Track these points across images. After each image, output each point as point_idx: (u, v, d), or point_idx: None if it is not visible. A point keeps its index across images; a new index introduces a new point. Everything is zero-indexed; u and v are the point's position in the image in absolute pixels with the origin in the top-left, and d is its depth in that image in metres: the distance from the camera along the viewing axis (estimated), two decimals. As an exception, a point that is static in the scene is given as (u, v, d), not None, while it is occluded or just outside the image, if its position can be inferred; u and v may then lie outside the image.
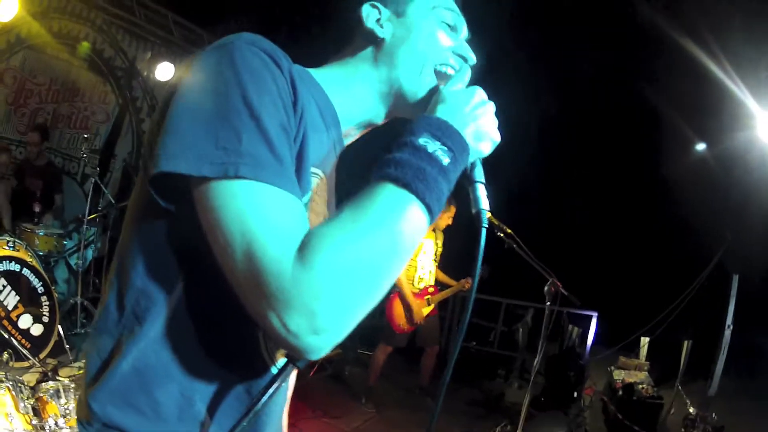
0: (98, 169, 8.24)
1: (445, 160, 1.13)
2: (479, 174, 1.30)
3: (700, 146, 9.63)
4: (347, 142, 1.50)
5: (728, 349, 7.46)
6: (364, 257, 1.00)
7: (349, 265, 0.98)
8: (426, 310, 6.83)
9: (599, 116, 12.02)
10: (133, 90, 10.07)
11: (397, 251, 1.05)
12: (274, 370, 1.27)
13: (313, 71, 1.42)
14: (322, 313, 0.96)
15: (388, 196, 1.06)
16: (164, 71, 9.72)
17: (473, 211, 1.27)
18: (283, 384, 1.28)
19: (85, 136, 8.13)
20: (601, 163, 12.79)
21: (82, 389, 1.27)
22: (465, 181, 1.29)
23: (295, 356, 1.11)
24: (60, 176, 7.82)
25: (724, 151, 8.54)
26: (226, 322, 1.18)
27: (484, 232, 1.24)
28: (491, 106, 1.31)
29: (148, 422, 1.17)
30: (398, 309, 6.71)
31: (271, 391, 1.17)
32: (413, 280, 6.79)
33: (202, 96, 1.07)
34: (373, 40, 1.43)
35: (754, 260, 7.95)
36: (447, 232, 7.21)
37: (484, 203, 1.27)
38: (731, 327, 7.34)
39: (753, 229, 7.90)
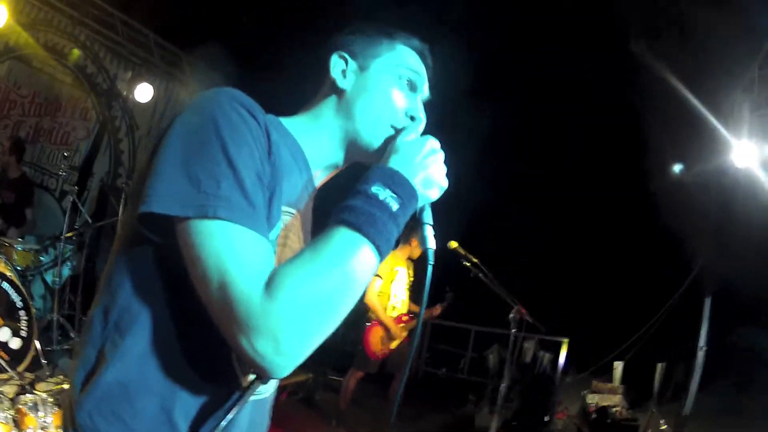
0: (76, 187, 8.21)
1: (395, 207, 1.27)
2: (428, 216, 1.43)
3: (676, 169, 9.77)
4: (317, 183, 1.62)
5: (703, 371, 7.55)
6: (320, 291, 1.14)
7: (308, 298, 1.13)
8: (402, 334, 6.90)
9: (568, 139, 12.13)
10: (112, 109, 10.08)
11: (349, 286, 1.19)
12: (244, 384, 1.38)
13: (283, 120, 1.54)
14: (285, 339, 1.10)
15: (342, 238, 1.20)
16: (143, 92, 9.78)
17: (421, 249, 1.41)
18: (258, 400, 1.47)
19: (65, 153, 8.12)
20: (570, 186, 12.89)
21: (67, 398, 1.36)
22: (415, 223, 1.42)
23: (262, 375, 1.21)
24: (32, 190, 7.74)
25: (698, 176, 8.69)
26: (202, 341, 1.28)
27: (430, 269, 1.39)
28: (441, 155, 1.44)
29: (130, 430, 1.26)
30: (375, 336, 6.77)
31: (240, 403, 1.31)
32: (386, 308, 6.85)
33: (188, 146, 1.20)
34: (336, 89, 1.56)
35: (728, 281, 8.08)
36: (419, 262, 7.28)
37: (431, 243, 1.40)
38: (705, 348, 7.47)
39: (726, 252, 8.04)
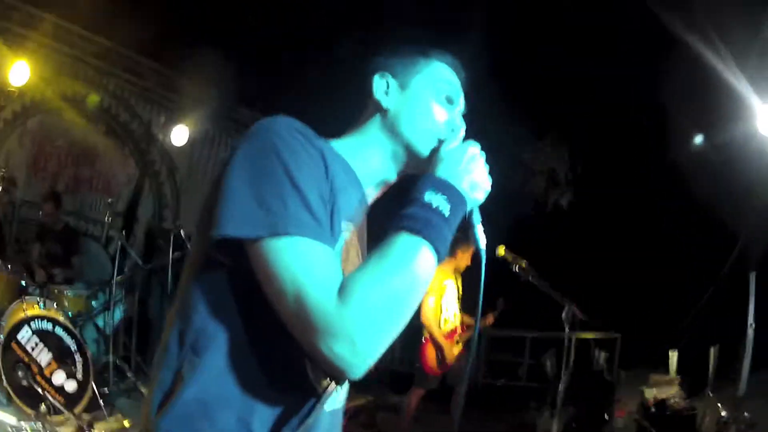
0: (123, 231, 8.37)
1: (447, 212, 1.38)
2: (477, 218, 1.55)
3: (703, 144, 9.60)
4: (369, 200, 1.71)
5: (753, 348, 7.37)
6: (388, 293, 1.25)
7: (378, 300, 1.23)
8: (456, 350, 6.89)
9: (601, 129, 11.99)
10: (150, 154, 10.28)
11: (414, 286, 1.30)
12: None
13: (332, 142, 1.62)
14: (360, 339, 1.21)
15: (404, 243, 1.31)
16: (179, 134, 9.94)
17: (474, 248, 1.56)
18: (333, 411, 1.56)
19: (109, 200, 8.32)
20: (602, 177, 12.76)
21: (143, 422, 1.42)
22: (465, 225, 1.52)
23: (339, 377, 1.34)
24: (77, 239, 7.91)
25: (725, 148, 8.54)
26: (276, 355, 1.37)
27: (483, 267, 1.53)
28: (482, 159, 1.55)
29: None
30: (430, 352, 6.76)
31: (317, 409, 1.40)
32: (440, 322, 6.85)
33: (253, 172, 1.30)
34: (380, 108, 1.65)
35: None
36: (466, 273, 7.26)
37: (482, 242, 1.54)
38: (753, 325, 7.29)
39: (762, 224, 7.88)
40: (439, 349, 6.72)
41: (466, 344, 7.05)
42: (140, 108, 9.98)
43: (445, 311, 6.90)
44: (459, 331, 7.04)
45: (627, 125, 11.58)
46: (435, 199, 1.37)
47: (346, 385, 1.60)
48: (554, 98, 11.69)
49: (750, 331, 7.18)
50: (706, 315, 8.62)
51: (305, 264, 1.23)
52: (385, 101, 1.64)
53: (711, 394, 7.14)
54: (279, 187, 1.27)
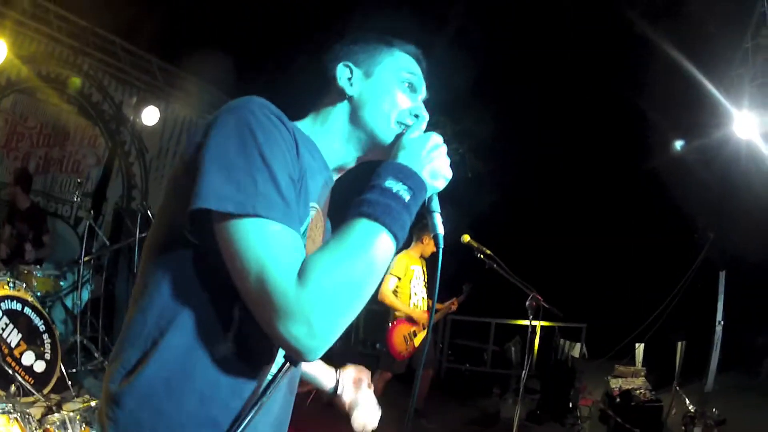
0: (92, 212, 8.32)
1: (407, 198, 1.41)
2: (435, 205, 1.57)
3: (679, 145, 9.73)
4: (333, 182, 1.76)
5: (721, 345, 7.52)
6: (346, 276, 1.28)
7: (335, 283, 1.26)
8: (422, 334, 6.98)
9: (575, 122, 12.09)
10: (120, 134, 10.19)
11: (371, 271, 1.33)
12: (274, 371, 1.51)
13: (298, 123, 1.67)
14: (317, 321, 1.23)
15: (363, 228, 1.34)
16: (150, 115, 9.84)
17: (431, 235, 1.56)
18: (287, 382, 1.60)
19: (78, 180, 8.25)
20: (577, 168, 12.85)
21: (103, 399, 1.45)
22: (425, 211, 1.55)
23: (296, 358, 1.35)
24: (44, 217, 7.82)
25: (700, 150, 8.66)
26: (237, 334, 1.40)
27: (440, 253, 1.54)
28: (444, 149, 1.57)
29: (170, 424, 1.37)
30: (398, 337, 6.84)
31: (273, 387, 1.43)
32: (409, 306, 6.93)
33: (225, 151, 1.32)
34: (344, 96, 1.69)
35: (739, 255, 8.04)
36: (431, 260, 7.34)
37: (440, 228, 1.55)
38: (722, 323, 7.45)
39: (735, 225, 8.01)
40: (412, 321, 6.86)
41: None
42: (112, 89, 9.88)
43: (413, 296, 6.99)
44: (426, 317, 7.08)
45: (602, 123, 11.69)
46: (395, 185, 1.41)
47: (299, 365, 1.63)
48: (530, 88, 11.81)
49: (719, 329, 7.32)
50: (675, 311, 8.74)
51: (269, 245, 1.26)
52: (348, 89, 1.68)
53: (677, 388, 7.26)
54: (251, 166, 1.29)
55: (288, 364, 1.44)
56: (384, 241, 1.34)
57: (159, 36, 9.96)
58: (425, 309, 7.12)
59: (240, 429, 1.37)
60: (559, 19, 10.33)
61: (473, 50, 10.06)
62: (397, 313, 6.88)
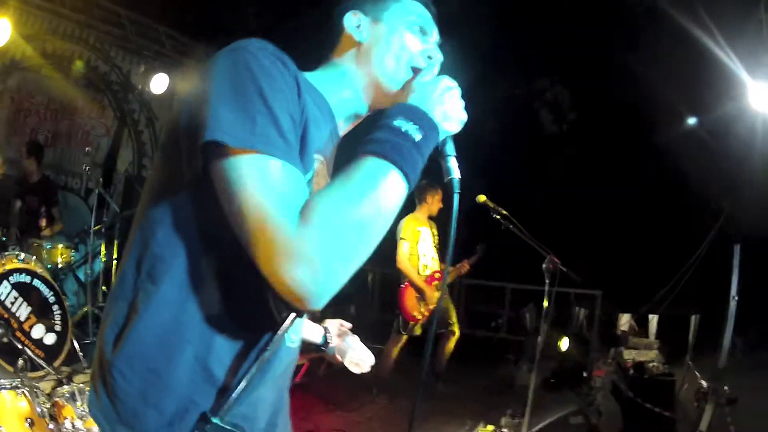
0: (101, 180, 8.29)
1: (417, 137, 1.33)
2: (450, 149, 1.49)
3: (693, 118, 9.63)
4: (340, 132, 1.70)
5: (736, 320, 7.43)
6: (353, 216, 1.20)
7: (341, 222, 1.18)
8: (436, 295, 6.90)
9: (591, 90, 12.00)
10: (129, 103, 10.19)
11: (380, 212, 1.25)
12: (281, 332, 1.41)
13: (306, 74, 1.58)
14: (322, 263, 1.16)
15: (371, 166, 1.26)
16: (159, 83, 9.77)
17: (445, 179, 1.49)
18: (290, 348, 1.54)
19: (87, 149, 8.24)
20: (594, 138, 12.78)
21: (97, 357, 1.41)
22: (438, 156, 1.48)
23: (298, 306, 1.24)
24: (56, 191, 7.83)
25: (716, 122, 8.57)
26: (235, 285, 1.34)
27: (456, 197, 1.47)
28: (457, 91, 1.50)
29: (166, 386, 1.31)
30: (410, 299, 6.83)
31: (275, 340, 1.36)
32: (418, 269, 6.89)
33: (225, 90, 1.26)
34: (353, 43, 1.64)
35: (754, 228, 7.94)
36: (440, 219, 7.27)
37: (456, 173, 1.48)
38: (736, 298, 7.35)
39: (750, 197, 7.91)
40: (420, 293, 6.77)
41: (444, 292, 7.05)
42: (119, 59, 9.84)
43: (422, 257, 6.98)
44: (438, 276, 7.07)
45: (620, 94, 11.58)
46: (404, 124, 1.34)
47: (301, 324, 1.57)
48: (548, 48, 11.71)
49: (732, 304, 7.22)
50: (689, 284, 8.65)
51: (269, 183, 1.20)
52: (358, 35, 1.64)
53: (690, 363, 7.18)
54: (251, 104, 1.23)
55: (291, 315, 1.37)
56: (394, 180, 1.27)
57: (165, 3, 9.86)
58: (435, 269, 7.09)
59: (241, 386, 1.31)
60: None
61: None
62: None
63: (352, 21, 1.64)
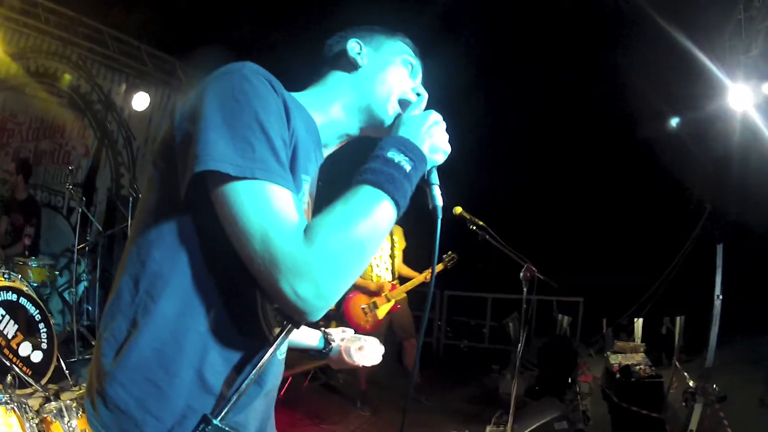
0: (83, 199, 8.31)
1: (408, 168, 1.45)
2: (435, 178, 1.62)
3: (673, 119, 9.72)
4: (326, 153, 1.80)
5: (721, 319, 7.49)
6: (351, 239, 1.30)
7: (341, 245, 1.29)
8: (386, 307, 6.93)
9: (568, 93, 12.01)
10: (109, 124, 10.17)
11: (375, 235, 1.36)
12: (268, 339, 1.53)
13: (295, 94, 1.70)
14: (323, 280, 1.26)
15: (367, 194, 1.38)
16: (140, 101, 9.79)
17: (430, 206, 1.60)
18: (279, 360, 1.65)
19: (70, 168, 8.23)
20: (572, 143, 12.78)
21: (94, 371, 1.47)
22: (424, 184, 1.60)
23: (298, 319, 1.37)
24: (39, 209, 7.78)
25: (695, 123, 8.66)
26: (231, 301, 1.43)
27: (439, 224, 1.58)
28: (443, 125, 1.63)
29: (164, 395, 1.38)
30: (354, 308, 6.85)
31: (272, 350, 1.45)
32: (371, 278, 6.97)
33: (221, 116, 1.33)
34: (353, 66, 1.76)
35: (738, 226, 8.01)
36: (412, 227, 7.26)
37: (439, 200, 1.59)
38: (720, 297, 7.43)
39: (731, 197, 7.99)
40: (369, 293, 6.89)
41: (400, 302, 7.08)
42: (101, 77, 9.86)
43: (375, 267, 7.03)
44: (389, 287, 7.06)
45: (597, 98, 11.63)
46: (397, 156, 1.45)
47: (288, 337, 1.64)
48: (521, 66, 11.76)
49: (717, 303, 7.28)
50: (673, 285, 8.74)
51: (272, 206, 1.28)
52: (359, 60, 1.75)
53: (678, 364, 7.26)
54: (249, 130, 1.31)
55: (285, 329, 1.45)
56: (386, 208, 1.38)
57: (147, 23, 9.91)
58: (388, 280, 7.12)
59: (238, 397, 1.38)
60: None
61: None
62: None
63: (355, 47, 1.76)
